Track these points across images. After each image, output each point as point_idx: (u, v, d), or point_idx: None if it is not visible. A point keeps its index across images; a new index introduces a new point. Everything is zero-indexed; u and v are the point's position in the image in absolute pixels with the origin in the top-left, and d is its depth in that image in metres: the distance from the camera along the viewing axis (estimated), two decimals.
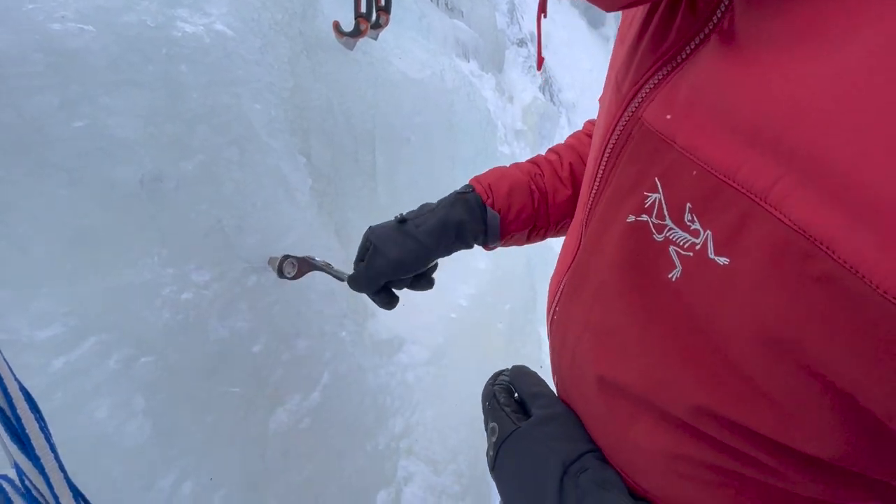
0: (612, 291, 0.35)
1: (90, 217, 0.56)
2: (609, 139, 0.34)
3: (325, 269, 0.86)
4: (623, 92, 0.34)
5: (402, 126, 1.43)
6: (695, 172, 0.27)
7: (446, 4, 2.59)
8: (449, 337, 1.47)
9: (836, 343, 0.22)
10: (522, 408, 0.45)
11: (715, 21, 0.29)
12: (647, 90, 0.32)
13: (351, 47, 1.21)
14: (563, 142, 0.67)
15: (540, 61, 0.47)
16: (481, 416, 0.47)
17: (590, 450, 0.38)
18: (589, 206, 0.38)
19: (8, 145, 0.49)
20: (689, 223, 0.28)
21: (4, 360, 0.33)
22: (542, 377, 0.48)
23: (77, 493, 0.36)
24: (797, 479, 0.27)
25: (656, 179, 0.30)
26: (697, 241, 0.27)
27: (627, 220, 0.33)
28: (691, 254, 0.28)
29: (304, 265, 0.84)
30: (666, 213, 0.30)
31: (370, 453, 1.02)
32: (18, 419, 0.34)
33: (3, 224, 0.51)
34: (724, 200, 0.26)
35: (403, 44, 1.59)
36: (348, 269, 0.67)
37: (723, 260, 0.26)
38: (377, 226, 0.59)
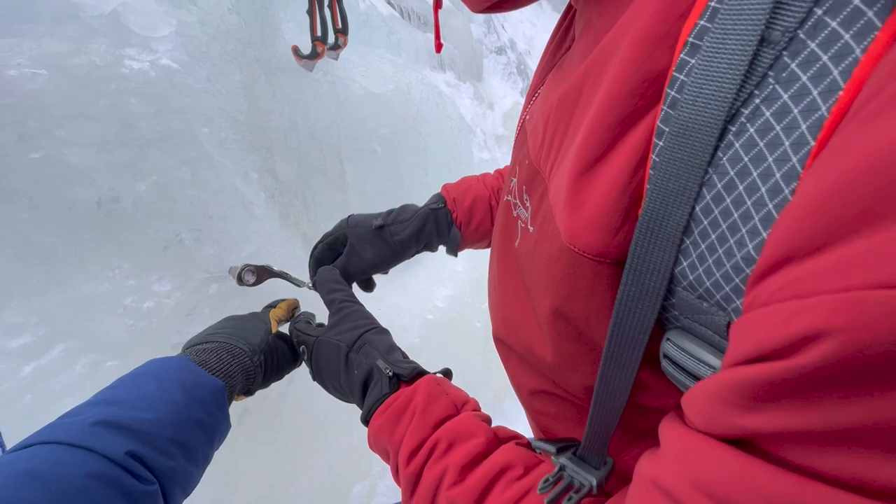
0: (493, 256, 0.43)
1: (52, 236, 0.63)
2: (517, 133, 0.42)
3: (283, 276, 0.92)
4: (526, 99, 0.42)
5: (368, 138, 1.50)
6: (528, 162, 0.36)
7: (419, 19, 2.68)
8: (425, 337, 1.53)
9: (567, 284, 0.29)
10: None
11: (572, 36, 0.36)
12: (532, 101, 0.39)
13: (310, 69, 1.28)
14: None
15: (438, 46, 0.57)
16: None
17: (368, 329, 0.48)
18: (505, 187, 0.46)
19: None
20: (525, 201, 0.35)
21: None
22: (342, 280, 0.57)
23: None
24: (583, 399, 0.34)
25: (517, 167, 0.38)
26: (527, 214, 0.35)
27: (504, 199, 0.41)
28: (524, 225, 0.35)
29: (263, 273, 0.91)
30: (516, 193, 0.37)
31: (345, 448, 1.08)
32: None
33: None
34: (536, 183, 0.34)
35: (370, 61, 1.67)
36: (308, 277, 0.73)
37: (531, 228, 0.33)
38: (356, 220, 0.63)
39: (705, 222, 0.21)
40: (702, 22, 0.20)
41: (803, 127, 0.17)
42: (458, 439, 0.37)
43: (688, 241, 0.22)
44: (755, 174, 0.19)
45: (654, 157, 0.23)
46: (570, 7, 0.37)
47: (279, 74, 1.18)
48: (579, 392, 0.34)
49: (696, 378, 0.24)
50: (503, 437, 0.38)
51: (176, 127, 0.74)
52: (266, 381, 0.53)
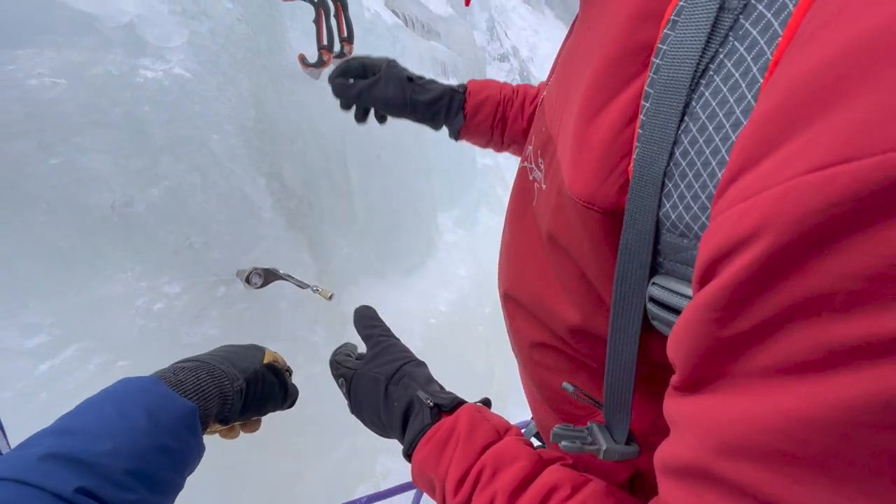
0: (510, 215, 0.46)
1: (68, 239, 0.65)
2: (535, 118, 0.47)
3: (288, 278, 0.95)
4: (547, 80, 0.46)
5: (372, 145, 1.53)
6: (543, 129, 0.39)
7: (423, 27, 2.71)
8: (429, 341, 1.54)
9: (562, 227, 0.33)
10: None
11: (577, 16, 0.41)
12: (551, 76, 0.43)
13: (317, 77, 1.31)
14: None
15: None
16: None
17: (407, 361, 0.49)
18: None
19: None
20: (540, 164, 0.39)
21: None
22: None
23: None
24: (582, 348, 0.38)
25: (532, 136, 0.41)
26: (541, 174, 0.38)
27: (520, 166, 0.45)
28: (539, 184, 0.39)
29: (270, 275, 0.93)
30: (532, 158, 0.41)
31: (348, 450, 1.09)
32: None
33: None
34: (549, 145, 0.37)
35: None
36: (319, 282, 0.75)
37: (545, 185, 0.37)
38: (396, 64, 0.72)
39: (683, 164, 0.24)
40: (681, 3, 0.25)
41: (755, 69, 0.21)
42: (503, 464, 0.37)
43: (670, 185, 0.25)
44: (721, 114, 0.22)
45: (641, 116, 0.26)
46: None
47: (285, 82, 1.21)
48: (581, 341, 0.37)
49: (679, 313, 0.24)
50: (548, 459, 0.37)
51: (188, 134, 0.76)
52: (244, 413, 0.51)
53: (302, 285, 0.94)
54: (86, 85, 0.65)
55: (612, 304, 0.30)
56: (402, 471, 1.19)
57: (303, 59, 1.26)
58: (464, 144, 2.51)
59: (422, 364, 0.50)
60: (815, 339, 0.16)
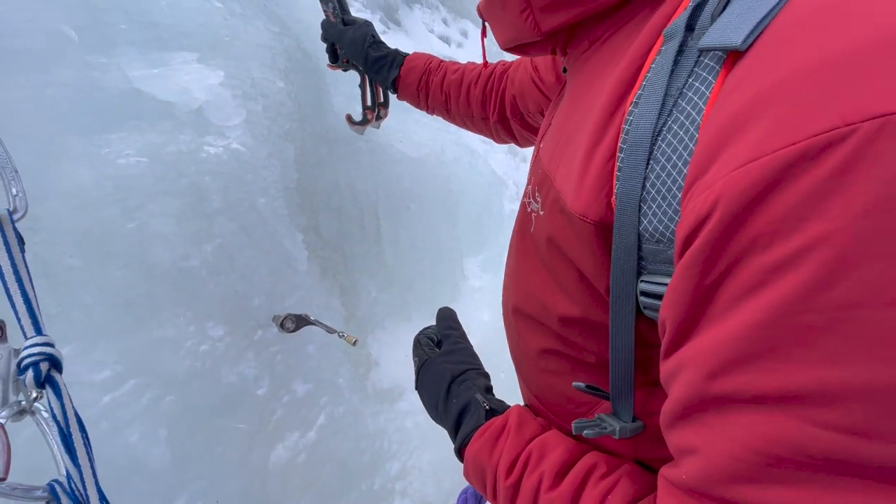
0: (513, 245, 0.55)
1: (136, 289, 0.77)
2: (531, 165, 0.56)
3: (318, 323, 1.04)
4: (538, 136, 0.56)
5: (402, 197, 1.64)
6: (540, 171, 0.48)
7: None
8: None
9: (565, 239, 0.41)
10: (440, 345, 0.65)
11: (563, 93, 0.53)
12: (543, 134, 0.53)
13: (361, 133, 1.45)
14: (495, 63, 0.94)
15: (485, 64, 0.86)
16: None
17: (471, 367, 0.58)
18: None
19: (83, 242, 0.72)
20: (537, 198, 0.47)
21: (69, 395, 0.51)
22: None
23: (103, 498, 0.50)
24: (582, 343, 0.44)
25: (532, 177, 0.51)
26: (538, 206, 0.47)
27: (522, 202, 0.53)
28: (536, 214, 0.47)
29: (301, 321, 1.02)
30: (531, 194, 0.49)
31: (365, 492, 1.13)
32: (70, 436, 0.51)
33: (75, 296, 0.72)
34: (546, 182, 0.46)
35: (407, 127, 1.84)
36: (347, 326, 0.84)
37: (542, 213, 0.46)
38: (367, 27, 1.00)
39: (653, 191, 0.33)
40: (640, 91, 0.35)
41: (691, 128, 0.30)
42: (548, 449, 0.44)
43: (644, 206, 0.33)
44: (674, 156, 0.31)
45: (619, 163, 0.35)
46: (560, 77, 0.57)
47: (326, 144, 1.35)
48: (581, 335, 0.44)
49: None
50: (586, 448, 0.45)
51: (239, 198, 0.88)
52: None
53: (329, 330, 1.02)
54: (161, 161, 0.79)
55: (611, 300, 0.37)
56: None
57: (350, 119, 1.40)
58: (491, 191, 2.58)
59: (485, 374, 0.59)
60: (757, 265, 0.24)
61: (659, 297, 0.33)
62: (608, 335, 0.39)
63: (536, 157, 0.53)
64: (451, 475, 1.34)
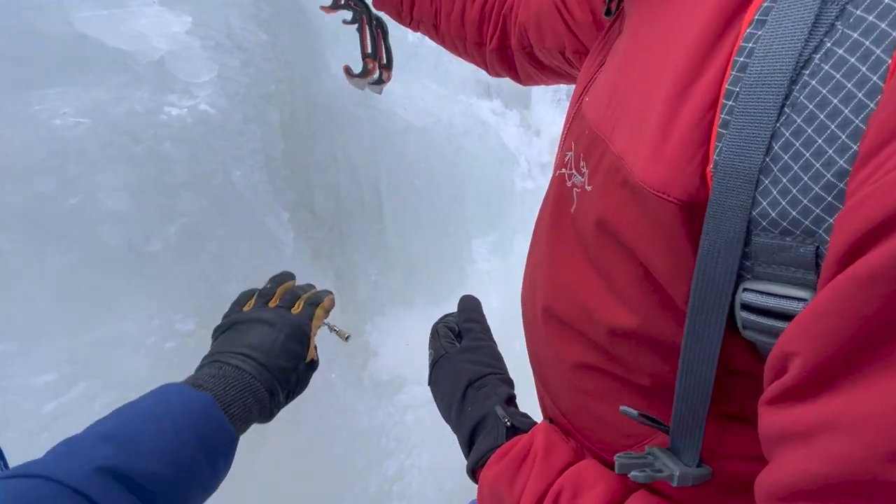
0: (543, 228, 0.44)
1: (85, 277, 0.65)
2: (567, 123, 0.45)
3: None
4: (578, 90, 0.45)
5: (407, 171, 1.50)
6: (587, 132, 0.37)
7: None
8: None
9: (627, 223, 0.31)
10: (459, 337, 0.58)
11: (618, 28, 0.40)
12: (588, 87, 0.42)
13: (362, 87, 1.28)
14: None
15: None
16: None
17: (492, 372, 0.51)
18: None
19: (14, 222, 0.59)
20: (581, 168, 0.37)
21: None
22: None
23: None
24: (636, 361, 0.34)
25: (573, 142, 0.40)
26: (583, 178, 0.36)
27: (556, 174, 0.43)
28: (580, 189, 0.37)
29: None
30: (573, 164, 0.39)
31: (359, 495, 1.04)
32: None
33: (9, 287, 0.60)
34: (595, 146, 0.35)
35: (413, 93, 1.68)
36: (343, 312, 0.73)
37: (589, 188, 0.35)
38: None
39: (785, 157, 0.23)
40: (766, 3, 0.25)
41: (878, 51, 0.20)
42: (584, 487, 0.36)
43: (766, 181, 0.24)
44: (835, 100, 0.22)
45: (723, 115, 0.26)
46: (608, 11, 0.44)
47: (321, 111, 1.20)
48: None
49: (786, 318, 0.24)
50: (632, 486, 0.36)
51: (209, 169, 0.75)
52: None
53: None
54: (109, 123, 0.65)
55: (689, 311, 0.28)
56: None
57: (348, 71, 1.24)
58: (503, 168, 2.43)
59: (508, 381, 0.52)
60: None
61: (769, 313, 0.25)
62: (676, 355, 0.30)
63: (578, 115, 0.42)
64: (453, 476, 1.24)
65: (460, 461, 1.32)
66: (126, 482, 0.35)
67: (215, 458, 0.42)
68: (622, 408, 0.34)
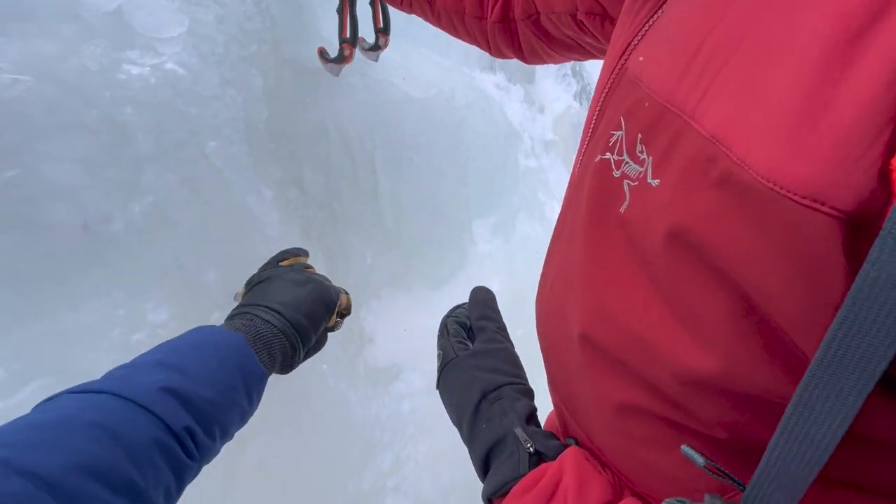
0: (577, 229, 0.36)
1: (30, 262, 0.56)
2: (602, 90, 0.36)
3: None
4: (617, 48, 0.35)
5: (404, 146, 1.40)
6: (647, 104, 0.28)
7: None
8: None
9: (728, 238, 0.23)
10: (471, 333, 0.53)
11: None
12: (635, 42, 0.34)
13: (337, 73, 1.18)
14: None
15: None
16: None
17: (509, 382, 0.45)
18: (581, 152, 0.40)
19: None
20: (639, 154, 0.29)
21: None
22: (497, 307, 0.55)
23: None
24: (709, 414, 0.27)
25: (621, 118, 0.31)
26: (643, 168, 0.28)
27: (596, 160, 0.34)
28: (637, 183, 0.29)
29: None
30: (624, 147, 0.31)
31: (351, 492, 0.98)
32: None
33: None
34: (663, 124, 0.27)
35: (412, 63, 1.56)
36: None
37: (655, 182, 0.27)
38: None
39: None
40: None
41: None
42: None
43: None
44: None
45: None
46: None
47: (311, 77, 1.10)
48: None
49: None
50: None
51: (178, 139, 0.66)
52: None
53: None
54: (55, 82, 0.55)
55: (820, 360, 0.20)
56: None
57: (322, 54, 1.14)
58: (506, 144, 2.31)
59: (527, 391, 0.46)
60: None
61: None
62: (766, 406, 0.24)
63: (626, 80, 0.33)
64: (451, 468, 1.19)
65: (458, 451, 1.26)
66: (183, 402, 0.37)
67: (251, 391, 0.44)
68: (684, 448, 0.27)
